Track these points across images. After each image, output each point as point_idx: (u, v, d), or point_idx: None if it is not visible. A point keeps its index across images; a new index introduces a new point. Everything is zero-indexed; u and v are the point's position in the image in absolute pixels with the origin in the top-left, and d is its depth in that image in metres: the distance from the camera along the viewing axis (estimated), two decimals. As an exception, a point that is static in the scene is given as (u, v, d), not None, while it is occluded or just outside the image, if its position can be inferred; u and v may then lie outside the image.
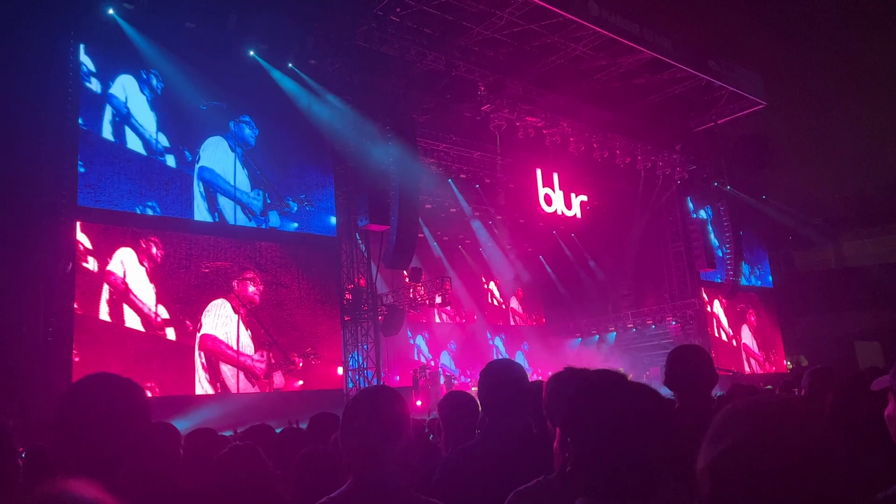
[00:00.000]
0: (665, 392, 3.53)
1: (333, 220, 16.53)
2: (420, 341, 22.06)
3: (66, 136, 12.87)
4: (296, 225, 15.98)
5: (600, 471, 1.40)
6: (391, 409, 1.93)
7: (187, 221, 14.40)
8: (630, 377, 1.60)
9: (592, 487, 1.41)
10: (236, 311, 14.58)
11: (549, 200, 20.71)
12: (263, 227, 15.50)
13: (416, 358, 21.11)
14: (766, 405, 1.06)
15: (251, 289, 14.98)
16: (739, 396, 4.66)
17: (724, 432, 1.05)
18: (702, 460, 1.06)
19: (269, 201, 15.66)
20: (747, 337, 25.75)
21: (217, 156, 15.11)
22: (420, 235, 18.80)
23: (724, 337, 24.67)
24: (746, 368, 24.86)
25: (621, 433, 1.40)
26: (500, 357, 22.03)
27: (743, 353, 25.29)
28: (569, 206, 21.16)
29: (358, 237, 16.87)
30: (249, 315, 14.76)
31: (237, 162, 15.38)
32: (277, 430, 4.29)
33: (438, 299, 17.82)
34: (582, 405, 1.48)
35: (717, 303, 24.88)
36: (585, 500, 1.42)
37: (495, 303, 24.99)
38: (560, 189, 20.97)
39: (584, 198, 21.69)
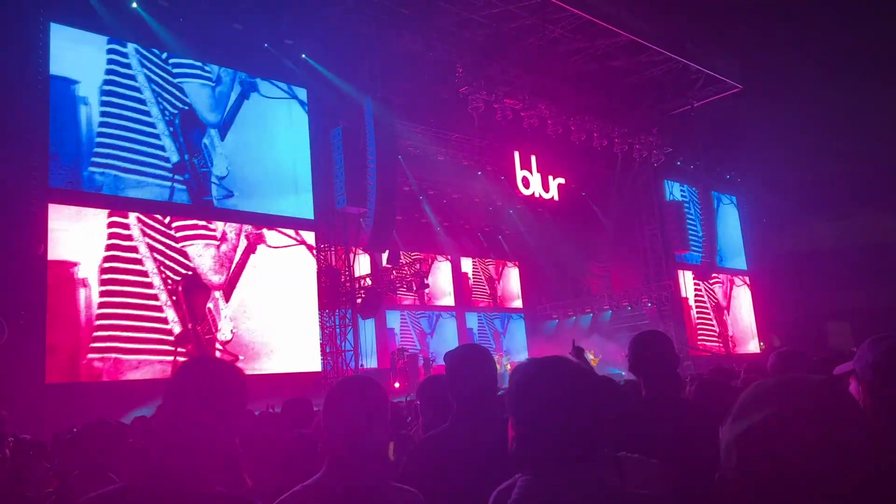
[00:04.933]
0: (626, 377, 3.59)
1: (311, 201, 16.42)
2: (397, 324, 22.07)
3: (37, 114, 12.63)
4: (271, 206, 15.86)
5: (536, 446, 1.51)
6: (375, 396, 2.00)
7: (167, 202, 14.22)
8: (595, 359, 1.67)
9: (531, 462, 1.52)
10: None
11: (526, 183, 20.76)
12: (242, 207, 15.36)
13: (393, 340, 21.11)
14: (793, 382, 1.09)
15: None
16: (718, 377, 4.73)
17: (751, 408, 1.08)
18: (728, 434, 1.09)
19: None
20: (721, 318, 26.11)
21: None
22: (398, 218, 18.73)
23: (699, 318, 24.98)
24: (721, 349, 25.23)
25: (554, 411, 1.50)
26: (476, 340, 22.21)
27: (717, 333, 25.65)
28: (546, 188, 21.22)
29: (335, 219, 16.78)
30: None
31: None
32: (256, 413, 4.31)
33: (416, 282, 17.84)
34: (520, 387, 1.58)
35: (692, 284, 25.17)
36: (525, 476, 1.52)
37: (472, 284, 25.03)
38: (538, 171, 21.02)
39: (561, 180, 21.76)
